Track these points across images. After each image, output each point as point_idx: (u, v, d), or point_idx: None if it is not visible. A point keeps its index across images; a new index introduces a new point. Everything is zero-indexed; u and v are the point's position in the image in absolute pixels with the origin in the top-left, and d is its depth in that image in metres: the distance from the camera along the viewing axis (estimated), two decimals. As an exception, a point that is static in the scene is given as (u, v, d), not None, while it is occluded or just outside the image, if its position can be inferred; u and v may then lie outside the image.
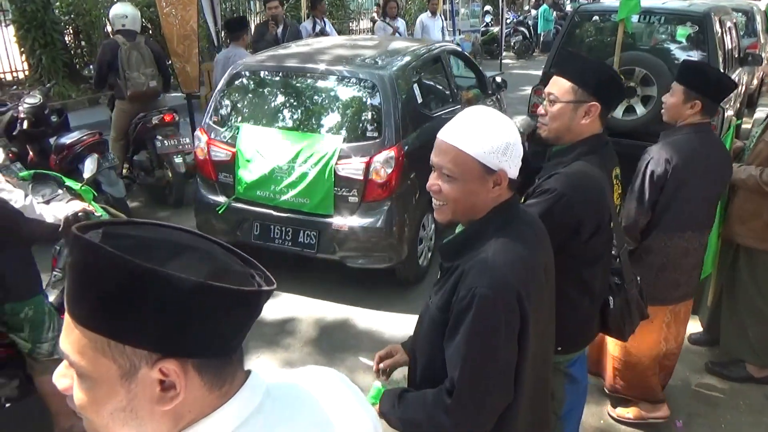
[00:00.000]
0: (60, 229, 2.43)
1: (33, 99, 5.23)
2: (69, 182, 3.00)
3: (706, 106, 2.43)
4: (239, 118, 4.09)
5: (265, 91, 4.22)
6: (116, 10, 5.35)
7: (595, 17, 6.35)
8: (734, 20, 6.87)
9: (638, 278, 2.06)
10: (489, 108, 1.36)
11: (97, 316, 0.65)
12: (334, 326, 3.73)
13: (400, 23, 9.29)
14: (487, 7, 15.10)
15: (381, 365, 1.59)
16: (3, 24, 9.98)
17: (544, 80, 5.71)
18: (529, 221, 1.43)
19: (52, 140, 5.18)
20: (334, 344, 3.54)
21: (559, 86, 1.81)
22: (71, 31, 10.43)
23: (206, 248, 0.72)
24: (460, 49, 6.15)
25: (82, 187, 3.00)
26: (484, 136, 1.28)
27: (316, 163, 3.69)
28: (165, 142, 5.12)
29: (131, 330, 0.65)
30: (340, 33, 8.82)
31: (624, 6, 4.68)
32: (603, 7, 6.61)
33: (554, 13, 15.67)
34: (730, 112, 5.95)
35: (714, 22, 5.45)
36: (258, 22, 12.21)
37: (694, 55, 5.64)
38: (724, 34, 5.85)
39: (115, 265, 0.63)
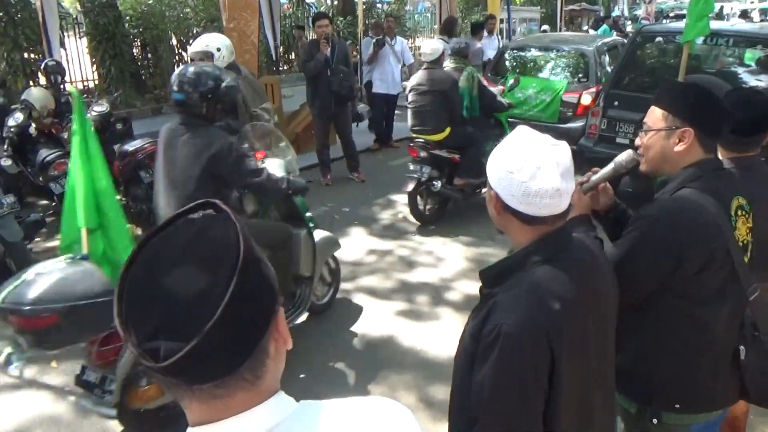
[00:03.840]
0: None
1: (100, 107, 5.50)
2: None
3: None
4: (509, 72, 7.47)
5: (524, 57, 7.83)
6: (207, 40, 4.41)
7: (659, 38, 6.17)
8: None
9: None
10: (524, 134, 1.30)
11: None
12: (377, 343, 3.70)
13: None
14: (545, 27, 14.90)
15: None
16: (77, 36, 10.56)
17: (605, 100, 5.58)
18: (581, 253, 1.36)
19: (116, 147, 5.42)
20: (377, 360, 3.51)
21: (652, 115, 1.70)
22: (139, 44, 10.94)
23: None
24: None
25: None
26: (496, 160, 1.30)
27: (551, 94, 6.95)
28: (148, 172, 4.87)
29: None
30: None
31: (691, 28, 4.53)
32: (667, 29, 6.43)
33: (614, 33, 15.35)
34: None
35: (787, 46, 5.20)
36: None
37: (764, 79, 5.40)
38: (798, 58, 5.57)
39: None
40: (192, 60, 4.14)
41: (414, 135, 5.36)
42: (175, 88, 2.89)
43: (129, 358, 2.56)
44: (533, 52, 7.79)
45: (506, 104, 5.65)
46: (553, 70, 7.42)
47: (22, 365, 2.70)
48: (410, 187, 5.26)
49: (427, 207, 5.47)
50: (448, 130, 5.22)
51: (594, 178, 1.77)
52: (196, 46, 4.44)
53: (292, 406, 0.76)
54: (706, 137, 1.65)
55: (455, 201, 5.59)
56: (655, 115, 1.68)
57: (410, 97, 5.34)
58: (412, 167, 5.27)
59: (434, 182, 5.20)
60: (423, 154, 5.18)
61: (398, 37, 8.19)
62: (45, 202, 5.82)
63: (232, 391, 0.70)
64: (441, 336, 3.70)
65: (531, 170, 1.22)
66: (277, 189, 3.06)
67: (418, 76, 5.37)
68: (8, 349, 2.56)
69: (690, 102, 1.65)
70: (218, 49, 4.35)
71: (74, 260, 2.52)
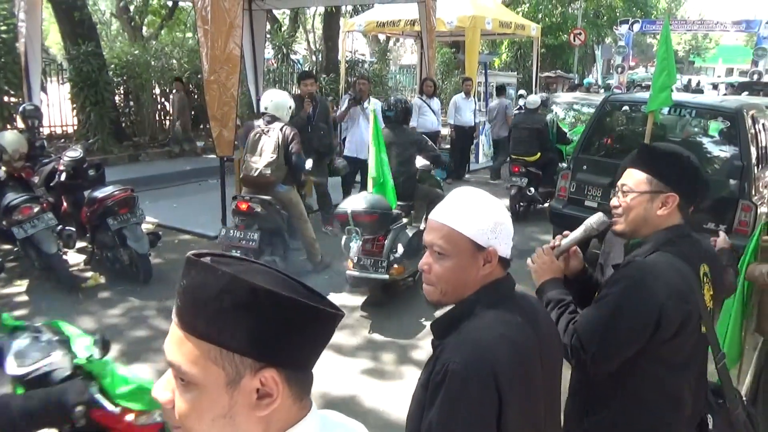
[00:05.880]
0: None
1: (74, 153, 5.46)
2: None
3: None
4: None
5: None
6: (266, 95, 5.52)
7: (626, 107, 6.42)
8: (769, 117, 6.85)
9: (743, 398, 1.81)
10: (478, 189, 1.37)
11: (213, 328, 0.75)
12: (338, 402, 3.60)
13: (435, 102, 9.52)
14: (522, 91, 15.41)
15: None
16: (60, 82, 10.62)
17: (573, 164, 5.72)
18: (526, 305, 1.37)
19: (87, 193, 5.36)
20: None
21: (634, 178, 1.71)
22: (122, 92, 11.02)
23: (286, 278, 0.83)
24: None
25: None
26: (473, 214, 1.30)
27: None
28: (116, 219, 4.96)
29: (241, 340, 0.75)
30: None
31: (654, 98, 4.71)
32: (633, 98, 6.69)
33: (588, 100, 15.90)
34: (763, 209, 5.82)
35: (746, 119, 5.43)
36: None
37: (727, 150, 5.61)
38: (758, 131, 5.82)
39: (233, 283, 0.74)
40: (266, 109, 5.37)
41: (514, 156, 7.91)
42: (385, 108, 5.65)
43: (388, 245, 4.69)
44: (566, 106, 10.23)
45: (570, 140, 8.32)
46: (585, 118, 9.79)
47: (357, 244, 4.58)
48: (513, 191, 7.66)
49: (520, 207, 7.79)
50: (539, 154, 7.78)
51: (565, 241, 1.79)
52: (272, 97, 5.42)
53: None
54: (685, 204, 1.70)
55: (536, 205, 8.01)
56: (637, 178, 1.71)
57: (514, 132, 8.06)
58: (513, 178, 7.69)
59: (530, 188, 7.72)
60: (522, 169, 7.68)
61: (373, 99, 8.20)
62: (7, 246, 5.69)
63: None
64: (405, 396, 3.61)
65: (507, 216, 1.34)
66: (443, 161, 5.97)
67: (520, 117, 8.28)
68: (346, 236, 4.67)
69: (679, 170, 1.69)
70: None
71: (371, 194, 4.74)
